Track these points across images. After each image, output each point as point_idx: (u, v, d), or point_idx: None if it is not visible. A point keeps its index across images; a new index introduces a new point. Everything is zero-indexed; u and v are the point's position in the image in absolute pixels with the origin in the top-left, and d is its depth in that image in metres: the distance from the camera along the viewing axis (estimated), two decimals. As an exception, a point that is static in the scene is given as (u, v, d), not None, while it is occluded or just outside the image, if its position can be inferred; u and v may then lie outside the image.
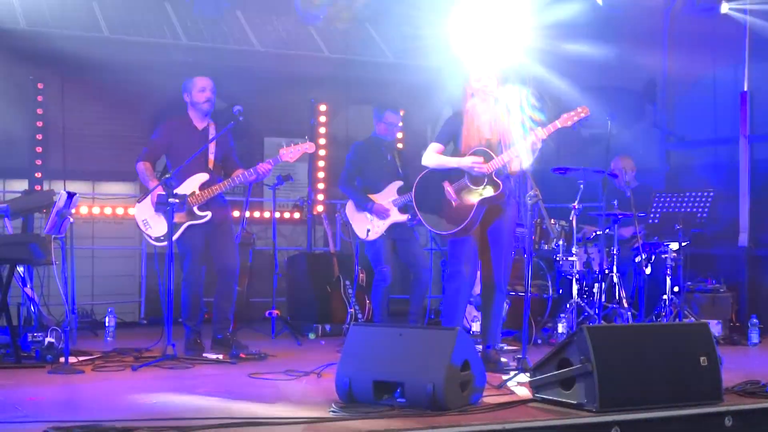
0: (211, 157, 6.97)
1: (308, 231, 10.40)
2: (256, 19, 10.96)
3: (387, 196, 7.78)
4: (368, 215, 7.74)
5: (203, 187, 6.89)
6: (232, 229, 7.17)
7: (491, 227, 6.18)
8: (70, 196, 7.07)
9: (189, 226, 6.84)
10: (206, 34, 10.62)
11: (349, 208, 7.89)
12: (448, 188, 6.14)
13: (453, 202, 6.12)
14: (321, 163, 10.99)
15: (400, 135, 10.73)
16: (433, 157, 6.24)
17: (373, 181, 7.86)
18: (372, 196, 7.77)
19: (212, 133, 7.02)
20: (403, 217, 7.72)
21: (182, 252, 6.91)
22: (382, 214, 7.71)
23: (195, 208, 6.84)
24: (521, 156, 5.95)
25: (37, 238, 6.44)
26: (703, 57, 10.12)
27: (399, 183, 7.83)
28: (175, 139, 7.01)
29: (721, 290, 8.75)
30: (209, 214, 6.88)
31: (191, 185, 6.86)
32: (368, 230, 7.70)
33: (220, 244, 6.99)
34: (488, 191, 6.08)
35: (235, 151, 7.23)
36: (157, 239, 6.82)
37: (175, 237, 6.65)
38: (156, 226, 6.81)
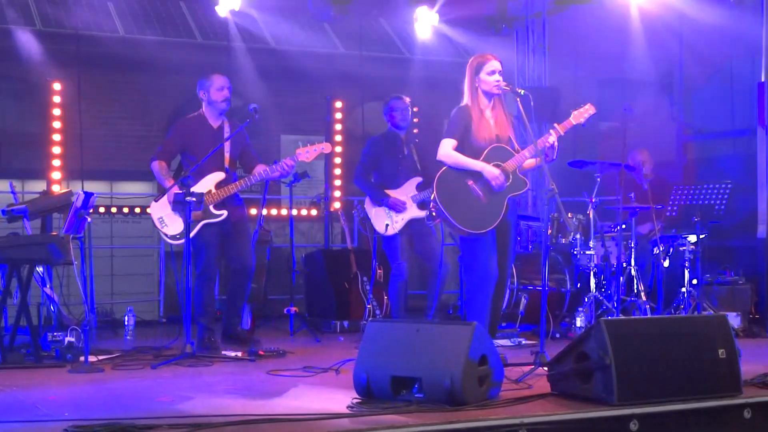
0: (227, 155, 6.96)
1: (325, 228, 10.42)
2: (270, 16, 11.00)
3: (406, 192, 7.64)
4: (386, 210, 7.68)
5: (219, 185, 6.88)
6: (248, 228, 7.15)
7: (502, 221, 6.13)
8: (88, 196, 7.11)
9: (205, 225, 6.82)
10: (221, 32, 10.65)
11: (368, 203, 7.79)
12: (474, 186, 6.06)
13: (482, 200, 6.07)
14: (337, 160, 10.97)
15: (415, 131, 10.73)
16: (452, 154, 6.04)
17: (390, 176, 7.73)
18: (390, 192, 7.67)
19: (227, 131, 6.99)
20: (422, 214, 7.57)
21: (197, 250, 6.89)
22: (399, 207, 7.62)
23: (211, 207, 6.82)
24: (539, 154, 5.92)
25: (56, 238, 6.48)
26: (720, 48, 10.07)
27: (418, 179, 7.68)
28: (190, 138, 6.98)
29: (740, 282, 8.71)
30: (225, 212, 6.87)
31: (207, 184, 6.85)
32: (387, 225, 7.63)
33: (236, 243, 6.99)
34: (515, 188, 6.06)
35: (252, 146, 7.22)
36: (173, 237, 6.82)
37: (190, 235, 6.64)
38: (172, 225, 6.81)
